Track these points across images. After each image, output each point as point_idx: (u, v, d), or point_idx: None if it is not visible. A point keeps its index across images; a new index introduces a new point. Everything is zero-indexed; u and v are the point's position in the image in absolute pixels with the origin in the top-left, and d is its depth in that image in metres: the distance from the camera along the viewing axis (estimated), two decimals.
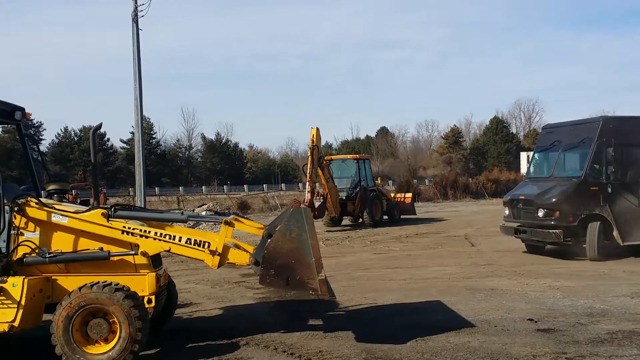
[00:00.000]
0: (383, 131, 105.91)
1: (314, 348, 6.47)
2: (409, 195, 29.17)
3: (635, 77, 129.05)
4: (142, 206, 21.95)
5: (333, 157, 26.58)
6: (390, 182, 66.47)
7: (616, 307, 8.09)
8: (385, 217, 25.43)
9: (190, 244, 6.45)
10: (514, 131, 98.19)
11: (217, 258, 6.40)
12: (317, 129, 21.87)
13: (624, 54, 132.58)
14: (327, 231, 22.48)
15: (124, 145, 76.00)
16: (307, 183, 21.55)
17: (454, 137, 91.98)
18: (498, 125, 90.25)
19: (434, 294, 9.46)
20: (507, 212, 13.94)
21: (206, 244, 6.43)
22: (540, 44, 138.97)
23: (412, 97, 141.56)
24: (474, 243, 16.91)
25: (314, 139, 21.62)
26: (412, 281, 10.89)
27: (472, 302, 8.68)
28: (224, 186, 64.96)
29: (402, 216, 26.49)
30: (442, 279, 10.98)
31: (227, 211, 25.00)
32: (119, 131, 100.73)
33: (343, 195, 23.89)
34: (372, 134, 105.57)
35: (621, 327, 6.99)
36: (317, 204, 21.94)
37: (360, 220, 24.43)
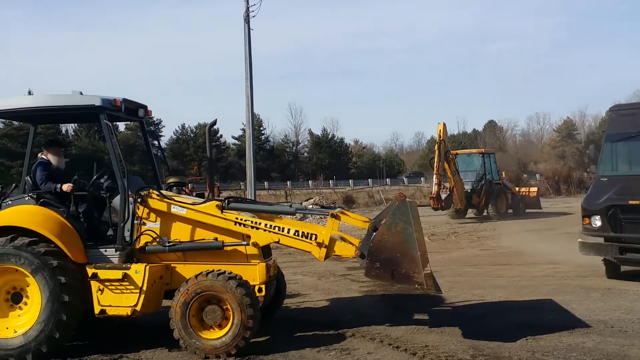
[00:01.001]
0: (491, 125, 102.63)
1: (419, 342, 6.43)
2: (534, 189, 29.29)
3: None
4: (253, 199, 22.71)
5: (459, 151, 27.63)
6: None
7: None
8: (510, 210, 25.63)
9: (299, 235, 6.61)
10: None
11: (323, 250, 6.51)
12: (444, 124, 23.08)
13: None
14: (457, 224, 22.96)
15: (235, 141, 78.64)
16: (435, 176, 22.88)
17: (567, 129, 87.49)
18: None
19: (545, 292, 9.10)
20: (597, 222, 9.69)
21: (313, 236, 6.56)
22: None
23: (522, 90, 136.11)
24: None
25: (441, 134, 22.90)
26: (522, 279, 10.53)
27: (587, 302, 8.28)
28: (330, 181, 65.63)
29: (527, 210, 26.37)
30: (554, 277, 10.54)
31: (332, 205, 25.31)
32: (230, 128, 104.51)
33: (468, 188, 24.52)
34: (480, 128, 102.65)
35: None
36: (443, 196, 23.33)
37: (485, 213, 25.15)
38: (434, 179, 23.26)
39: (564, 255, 12.17)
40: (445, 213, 24.65)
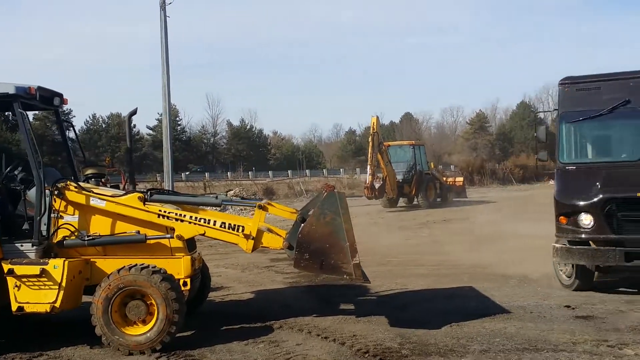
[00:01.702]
0: (407, 117, 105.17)
1: (347, 332, 6.49)
2: (460, 179, 31.96)
3: None
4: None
5: (391, 143, 29.21)
6: None
7: None
8: (439, 199, 27.30)
9: (225, 227, 6.50)
10: (542, 116, 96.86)
11: (251, 242, 6.44)
12: (377, 117, 24.69)
13: None
14: (387, 212, 24.91)
15: (150, 131, 76.59)
16: (368, 166, 24.35)
17: (480, 122, 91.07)
18: (525, 110, 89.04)
19: (465, 280, 9.40)
20: (587, 222, 7.76)
21: (240, 228, 6.47)
22: (565, 27, 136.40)
23: (437, 83, 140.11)
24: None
25: (374, 126, 24.17)
26: (443, 267, 10.84)
27: (506, 288, 8.63)
28: (249, 172, 65.18)
29: (454, 199, 28.36)
30: (473, 265, 10.89)
31: (253, 197, 25.18)
32: (145, 118, 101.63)
33: (400, 178, 25.88)
34: (396, 120, 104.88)
35: None
36: (377, 185, 24.82)
37: (416, 201, 26.42)
38: (368, 170, 24.52)
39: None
40: (379, 202, 26.06)
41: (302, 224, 6.25)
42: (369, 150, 23.98)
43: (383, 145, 24.91)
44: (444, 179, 29.69)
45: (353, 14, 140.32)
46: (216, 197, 6.91)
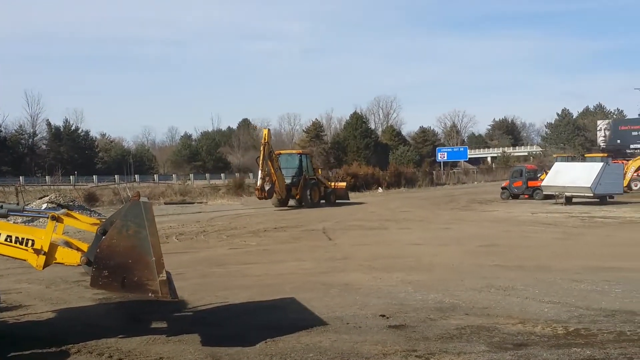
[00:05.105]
0: (245, 123, 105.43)
1: (154, 354, 6.01)
2: (343, 183, 36.52)
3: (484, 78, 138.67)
4: None
5: (282, 151, 33.94)
6: (251, 174, 66.13)
7: (464, 301, 8.35)
8: (323, 200, 31.78)
9: (11, 241, 5.80)
10: (373, 127, 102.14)
11: (42, 258, 5.77)
12: (269, 130, 30.62)
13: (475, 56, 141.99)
14: (276, 210, 29.12)
15: None
16: (260, 171, 28.71)
17: (316, 130, 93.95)
18: (358, 121, 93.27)
19: (288, 290, 9.29)
20: None
21: (30, 242, 5.78)
22: (398, 44, 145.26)
23: (275, 90, 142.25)
24: (331, 237, 17.08)
25: (266, 137, 28.97)
26: (268, 277, 10.68)
27: (327, 298, 8.62)
28: (71, 176, 61.09)
29: (337, 200, 32.78)
30: (298, 274, 10.88)
31: (71, 203, 23.47)
32: None
33: (288, 181, 30.50)
34: (234, 126, 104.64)
35: (469, 322, 7.16)
36: (267, 187, 28.59)
37: (304, 203, 30.54)
38: (259, 174, 29.04)
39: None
40: (270, 202, 30.27)
41: (103, 237, 5.69)
42: (260, 158, 28.36)
43: (274, 153, 29.60)
44: (328, 183, 34.60)
45: (195, 14, 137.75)
46: (1, 207, 6.10)
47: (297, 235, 17.93)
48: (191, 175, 70.71)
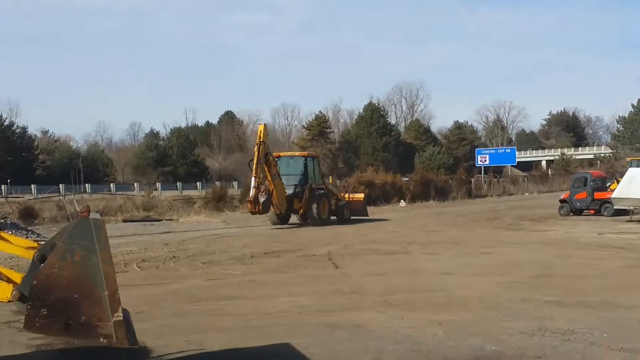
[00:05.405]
0: (228, 117, 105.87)
1: None
2: (360, 195, 36.39)
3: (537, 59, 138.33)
4: None
5: (281, 153, 33.43)
6: (235, 183, 66.35)
7: (511, 348, 8.35)
8: (334, 216, 31.65)
9: None
10: (393, 122, 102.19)
11: None
12: (265, 125, 29.55)
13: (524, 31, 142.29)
14: (273, 228, 29.49)
15: None
16: (253, 178, 27.77)
17: (319, 127, 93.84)
18: (374, 114, 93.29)
19: (280, 333, 9.33)
20: None
21: None
22: (425, 16, 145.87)
23: (267, 76, 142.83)
24: (338, 265, 17.13)
25: (261, 135, 28.34)
26: (254, 317, 10.72)
27: (330, 344, 8.65)
28: (2, 186, 61.47)
29: (352, 217, 32.72)
30: (294, 312, 10.92)
31: (2, 221, 23.63)
32: None
33: (290, 192, 30.25)
34: (214, 121, 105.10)
35: None
36: (261, 199, 27.78)
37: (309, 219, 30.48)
38: (252, 182, 27.99)
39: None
40: (266, 217, 30.13)
41: (41, 265, 5.75)
42: (254, 161, 27.67)
43: (271, 155, 29.09)
44: (342, 194, 34.58)
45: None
46: None
47: (294, 262, 17.98)
48: (158, 185, 71.07)
